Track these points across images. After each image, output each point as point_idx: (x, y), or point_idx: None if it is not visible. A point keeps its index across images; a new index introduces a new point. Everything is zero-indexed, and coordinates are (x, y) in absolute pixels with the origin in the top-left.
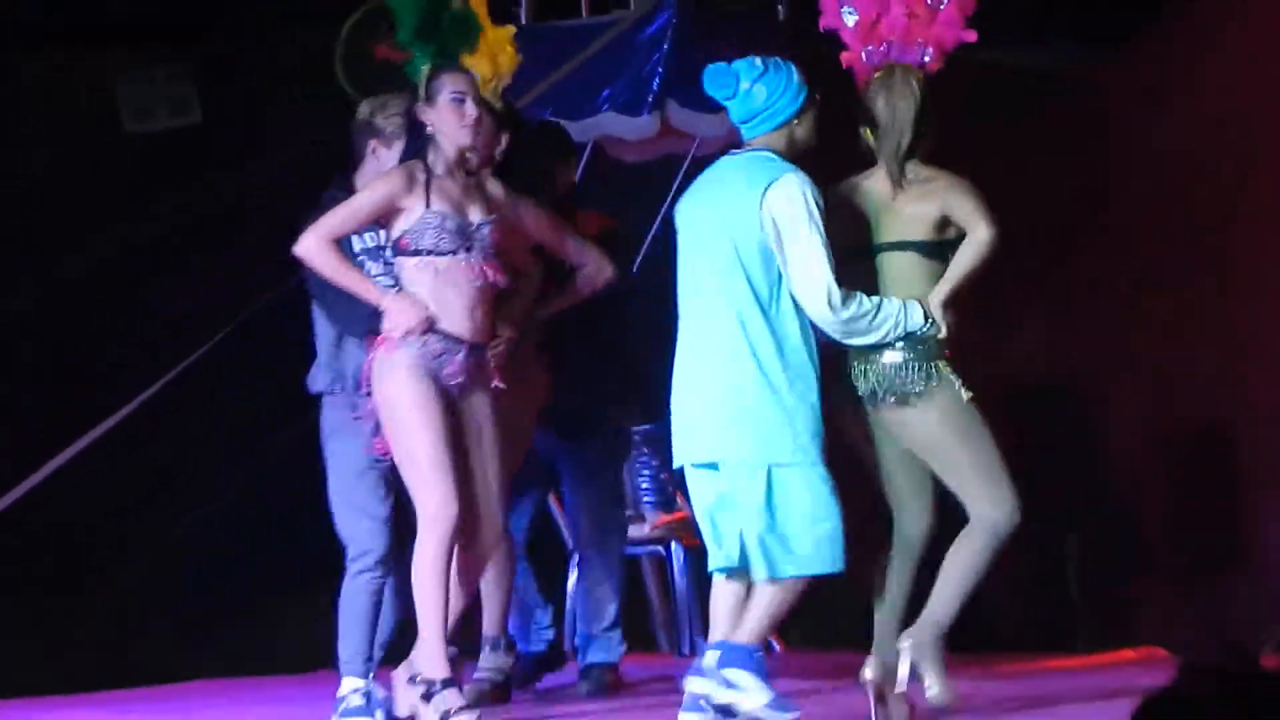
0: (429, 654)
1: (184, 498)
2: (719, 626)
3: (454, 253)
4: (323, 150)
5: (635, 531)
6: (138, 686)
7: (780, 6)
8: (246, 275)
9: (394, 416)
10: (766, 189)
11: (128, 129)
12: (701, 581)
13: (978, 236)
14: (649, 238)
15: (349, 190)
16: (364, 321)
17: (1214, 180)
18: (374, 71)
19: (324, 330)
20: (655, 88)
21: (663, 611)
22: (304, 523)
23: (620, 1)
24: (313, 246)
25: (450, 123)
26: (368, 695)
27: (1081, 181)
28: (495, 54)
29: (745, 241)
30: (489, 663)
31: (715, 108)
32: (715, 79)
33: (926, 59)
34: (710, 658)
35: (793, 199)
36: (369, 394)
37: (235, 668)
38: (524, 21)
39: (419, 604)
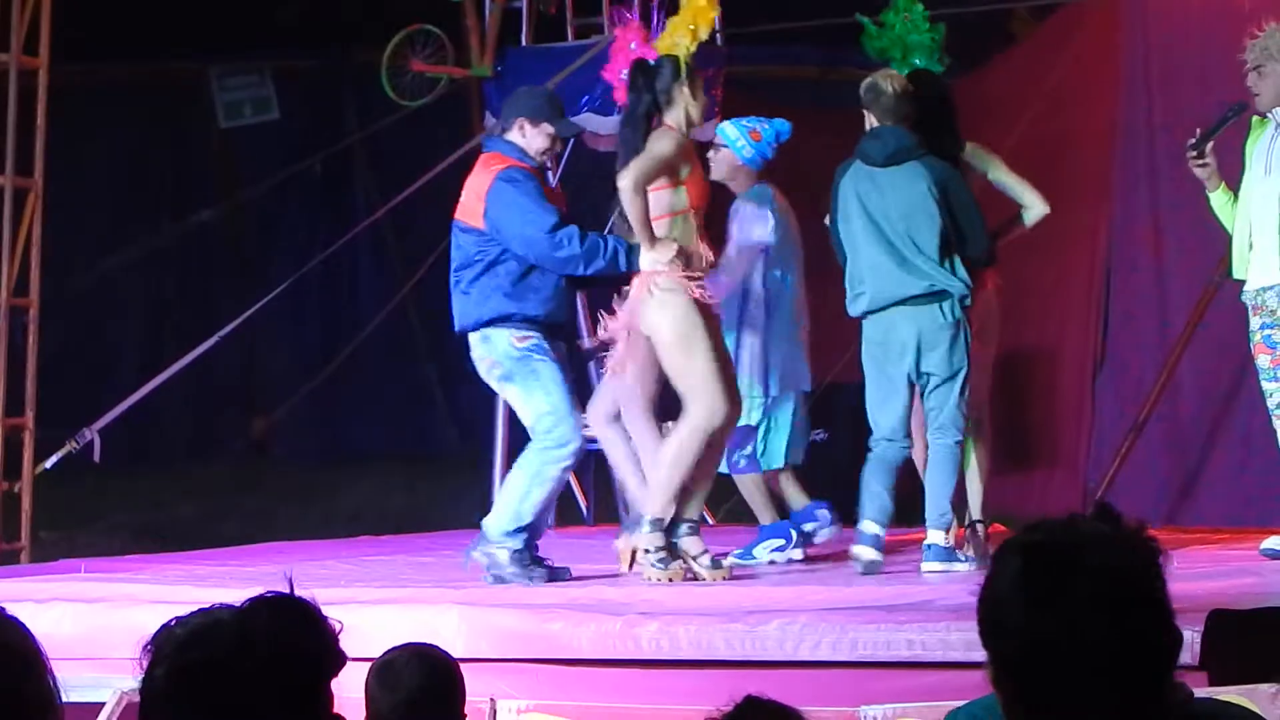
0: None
1: None
2: None
3: None
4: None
5: None
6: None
7: (718, 36)
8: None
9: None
10: None
11: (222, 125)
12: None
13: None
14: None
15: None
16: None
17: (1030, 173)
18: (409, 79)
19: None
20: None
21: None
22: None
23: (596, 28)
24: None
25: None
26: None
27: None
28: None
29: None
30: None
31: None
32: None
33: None
34: None
35: None
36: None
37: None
38: (524, 43)
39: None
